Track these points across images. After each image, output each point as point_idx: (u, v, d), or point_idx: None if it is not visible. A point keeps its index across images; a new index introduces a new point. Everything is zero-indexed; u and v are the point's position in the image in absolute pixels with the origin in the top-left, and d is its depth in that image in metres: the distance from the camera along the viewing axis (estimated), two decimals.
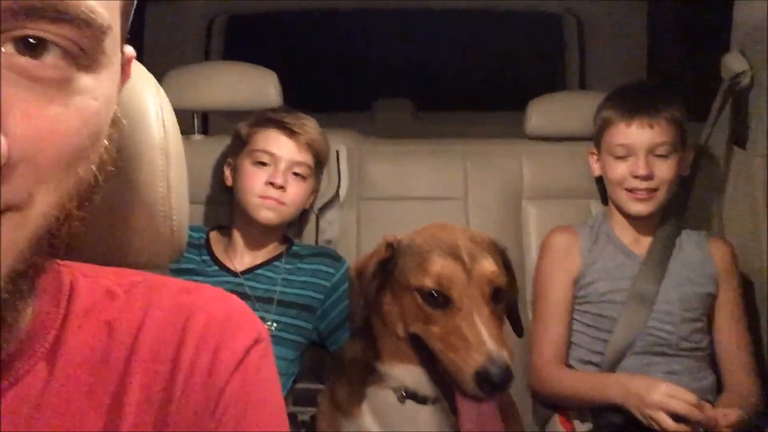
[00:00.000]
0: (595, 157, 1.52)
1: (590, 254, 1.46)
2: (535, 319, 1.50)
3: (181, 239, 0.67)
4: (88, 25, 0.40)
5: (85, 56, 0.41)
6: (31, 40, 0.39)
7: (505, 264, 1.09)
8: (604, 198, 1.57)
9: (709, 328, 1.42)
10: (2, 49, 0.38)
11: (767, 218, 1.45)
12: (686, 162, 1.46)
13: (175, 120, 0.68)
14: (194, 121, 1.76)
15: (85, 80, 0.42)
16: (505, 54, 3.17)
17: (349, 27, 2.94)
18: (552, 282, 1.47)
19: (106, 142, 0.46)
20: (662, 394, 1.20)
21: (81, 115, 0.42)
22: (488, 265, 1.00)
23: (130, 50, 0.51)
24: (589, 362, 1.42)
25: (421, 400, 1.05)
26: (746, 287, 1.46)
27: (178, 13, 2.15)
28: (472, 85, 3.28)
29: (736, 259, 1.44)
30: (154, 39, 2.12)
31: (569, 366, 1.44)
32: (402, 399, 1.06)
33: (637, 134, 1.39)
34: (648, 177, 1.38)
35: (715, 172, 1.58)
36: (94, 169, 0.45)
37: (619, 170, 1.42)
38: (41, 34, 0.39)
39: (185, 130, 1.54)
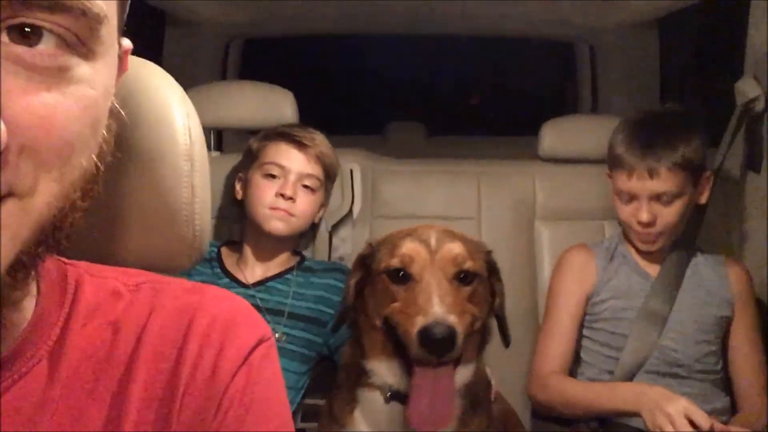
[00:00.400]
0: (611, 181, 1.51)
1: (605, 272, 1.46)
2: (542, 331, 1.50)
3: (202, 244, 0.68)
4: (83, 14, 0.40)
5: (81, 45, 0.41)
6: (26, 29, 0.39)
7: (490, 265, 1.10)
8: None
9: (723, 351, 1.41)
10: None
11: None
12: (702, 191, 1.42)
13: (200, 128, 0.69)
14: (210, 138, 1.80)
15: (83, 69, 0.42)
16: (517, 79, 3.20)
17: (362, 51, 2.98)
18: (564, 297, 1.47)
19: (105, 132, 0.46)
20: (679, 409, 1.18)
21: (79, 103, 0.42)
22: (454, 248, 1.03)
23: (127, 43, 0.51)
24: (600, 381, 1.41)
25: (405, 400, 1.05)
26: (761, 310, 1.45)
27: (195, 37, 2.19)
28: (484, 111, 3.31)
29: (752, 282, 1.44)
30: (172, 61, 2.16)
31: None
32: (387, 399, 1.07)
33: (638, 184, 1.38)
34: (650, 224, 1.38)
35: (729, 196, 1.58)
36: (95, 159, 0.45)
37: (624, 212, 1.43)
38: (37, 23, 0.39)
39: None
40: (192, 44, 2.20)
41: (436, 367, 0.98)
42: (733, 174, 1.56)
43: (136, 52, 0.54)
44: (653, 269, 1.45)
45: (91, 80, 0.43)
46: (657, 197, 1.36)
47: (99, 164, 0.46)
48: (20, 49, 0.39)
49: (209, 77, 2.21)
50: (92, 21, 0.41)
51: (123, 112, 0.51)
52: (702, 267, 1.45)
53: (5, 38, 0.39)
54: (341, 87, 3.40)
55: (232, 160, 1.63)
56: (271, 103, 1.67)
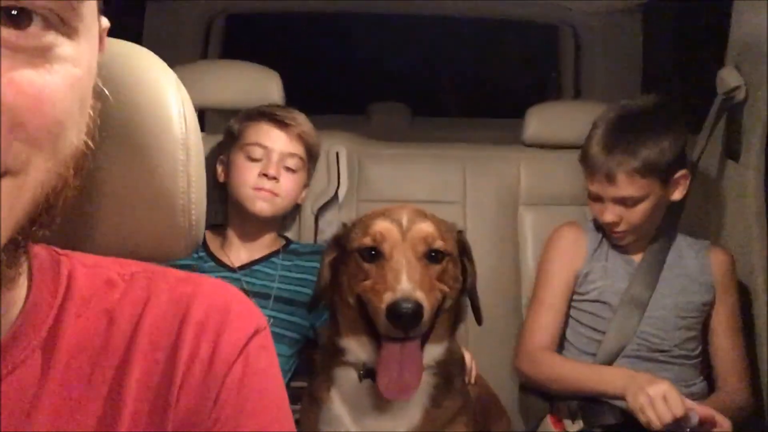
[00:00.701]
0: None
1: (595, 254, 1.48)
2: (531, 306, 1.52)
3: (198, 233, 0.68)
4: None
5: (63, 24, 0.42)
6: (13, 12, 0.39)
7: (461, 244, 1.13)
8: None
9: (702, 336, 1.44)
10: None
11: (759, 230, 1.48)
12: (674, 190, 1.41)
13: (195, 116, 0.68)
14: None
15: (66, 48, 0.42)
16: (499, 61, 3.19)
17: (345, 30, 2.95)
18: (554, 272, 1.49)
19: (90, 112, 0.47)
20: (658, 392, 1.21)
21: (65, 81, 0.42)
22: (425, 227, 1.06)
23: (105, 21, 0.51)
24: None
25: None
26: (742, 295, 1.49)
27: (176, 12, 2.15)
28: (467, 92, 3.30)
29: (734, 268, 1.46)
30: (152, 37, 2.12)
31: None
32: (361, 377, 1.09)
33: (600, 188, 1.40)
34: (614, 224, 1.40)
35: (708, 184, 1.61)
36: (84, 137, 0.46)
37: (593, 209, 1.46)
38: (23, 4, 0.39)
39: None
40: (173, 21, 2.15)
41: (403, 341, 1.01)
42: (712, 162, 1.59)
43: (115, 27, 0.53)
44: (637, 255, 1.48)
45: (75, 59, 0.43)
46: (619, 200, 1.38)
47: (88, 142, 0.46)
48: (7, 32, 0.39)
49: (190, 55, 2.17)
50: (74, 0, 0.42)
51: (118, 102, 0.51)
52: (685, 253, 1.47)
53: None
54: (324, 66, 3.37)
55: (215, 140, 1.61)
56: (257, 84, 1.65)
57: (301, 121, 1.48)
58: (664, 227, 1.49)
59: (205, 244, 1.48)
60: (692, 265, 1.45)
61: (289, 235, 1.60)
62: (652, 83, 2.13)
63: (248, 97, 1.62)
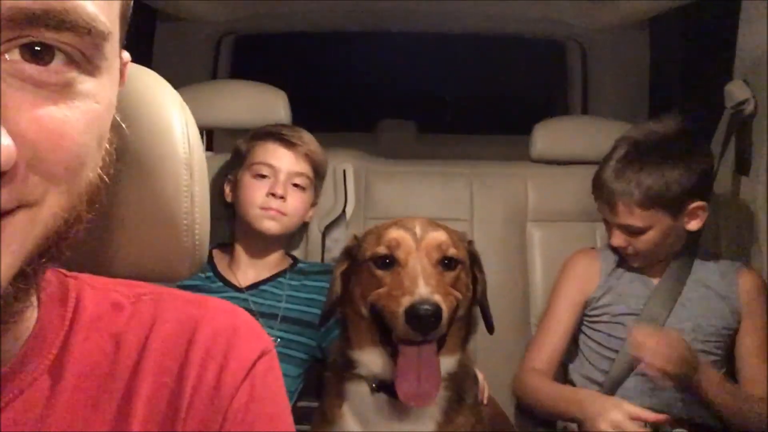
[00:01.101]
0: None
1: (609, 278, 1.47)
2: (538, 329, 1.52)
3: (203, 253, 0.68)
4: (89, 32, 0.41)
5: (87, 62, 0.42)
6: (36, 48, 0.39)
7: (471, 254, 1.14)
8: None
9: (724, 362, 1.39)
10: (7, 56, 0.39)
11: None
12: (690, 220, 1.36)
13: (199, 136, 0.69)
14: (202, 139, 1.78)
15: (88, 84, 0.43)
16: (508, 79, 3.20)
17: (353, 49, 2.97)
18: (562, 299, 1.49)
19: (107, 146, 0.47)
20: (624, 414, 1.21)
21: (85, 117, 0.42)
22: (438, 235, 1.07)
23: (126, 55, 0.51)
24: (593, 380, 1.43)
25: (391, 391, 1.06)
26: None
27: (187, 33, 2.17)
28: (474, 109, 3.31)
29: (764, 290, 1.40)
30: (162, 58, 2.14)
31: (569, 382, 1.46)
32: (373, 390, 1.08)
33: (606, 214, 1.41)
34: (625, 248, 1.40)
35: (718, 198, 1.59)
36: (100, 171, 0.46)
37: (606, 229, 1.46)
38: (47, 41, 0.39)
39: None
40: (183, 41, 2.18)
41: (420, 345, 1.01)
42: (723, 176, 1.58)
43: (125, 48, 0.54)
44: (655, 277, 1.45)
45: (95, 95, 0.43)
46: (623, 228, 1.37)
47: (103, 176, 0.46)
48: (29, 67, 0.39)
49: (200, 74, 2.20)
50: (98, 39, 0.42)
51: (122, 122, 0.51)
52: (711, 275, 1.43)
53: (17, 56, 0.39)
54: (332, 84, 3.39)
55: (223, 160, 1.62)
56: (264, 103, 1.66)
57: (308, 140, 1.49)
58: (684, 249, 1.46)
59: (212, 264, 1.48)
60: (717, 287, 1.41)
61: (296, 253, 1.60)
62: (659, 98, 2.12)
63: (255, 116, 1.63)
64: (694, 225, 1.37)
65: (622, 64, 2.15)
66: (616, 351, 1.40)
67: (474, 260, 1.14)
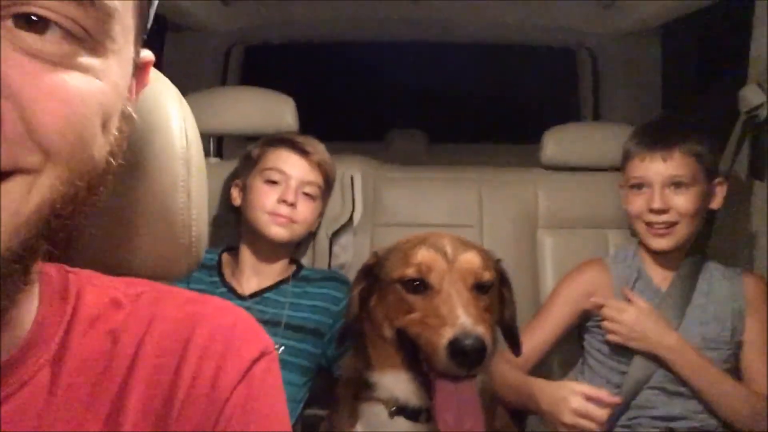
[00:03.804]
0: (623, 190, 1.50)
1: (622, 294, 1.42)
2: (527, 324, 1.47)
3: (199, 250, 0.67)
4: (92, 5, 0.40)
5: (89, 38, 0.41)
6: (33, 18, 0.39)
7: (500, 274, 1.08)
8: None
9: (735, 370, 1.36)
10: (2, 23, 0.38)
11: None
12: (714, 195, 1.40)
13: (197, 132, 0.68)
14: (210, 145, 1.79)
15: (91, 61, 0.42)
16: (519, 86, 3.19)
17: (363, 58, 2.97)
18: (561, 301, 1.46)
19: (116, 132, 0.46)
20: (579, 399, 1.18)
21: (84, 86, 0.41)
22: (471, 257, 1.01)
23: (148, 54, 0.50)
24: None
25: (410, 415, 1.03)
26: None
27: (196, 42, 2.19)
28: (485, 118, 3.30)
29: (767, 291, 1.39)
30: (172, 67, 2.16)
31: None
32: (392, 414, 1.04)
33: (652, 167, 1.37)
34: (663, 210, 1.36)
35: (733, 204, 1.57)
36: (106, 155, 0.45)
37: (636, 203, 1.41)
38: (44, 13, 0.39)
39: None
40: (193, 50, 2.19)
41: (458, 380, 0.94)
42: (737, 181, 1.55)
43: None
44: (665, 282, 1.43)
45: (98, 72, 0.42)
46: (670, 183, 1.35)
47: (111, 161, 0.45)
48: (25, 35, 0.39)
49: (210, 83, 2.21)
50: (101, 14, 0.41)
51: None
52: (716, 281, 1.41)
53: (10, 24, 0.38)
54: (342, 93, 3.40)
55: (232, 166, 1.62)
56: (271, 110, 1.66)
57: (321, 149, 1.49)
58: (693, 250, 1.44)
59: (220, 269, 1.47)
60: (724, 293, 1.39)
61: (303, 259, 1.59)
62: (672, 104, 2.10)
63: (263, 123, 1.63)
64: (715, 203, 1.41)
65: (633, 70, 2.13)
66: (625, 363, 1.37)
67: (502, 280, 1.09)
